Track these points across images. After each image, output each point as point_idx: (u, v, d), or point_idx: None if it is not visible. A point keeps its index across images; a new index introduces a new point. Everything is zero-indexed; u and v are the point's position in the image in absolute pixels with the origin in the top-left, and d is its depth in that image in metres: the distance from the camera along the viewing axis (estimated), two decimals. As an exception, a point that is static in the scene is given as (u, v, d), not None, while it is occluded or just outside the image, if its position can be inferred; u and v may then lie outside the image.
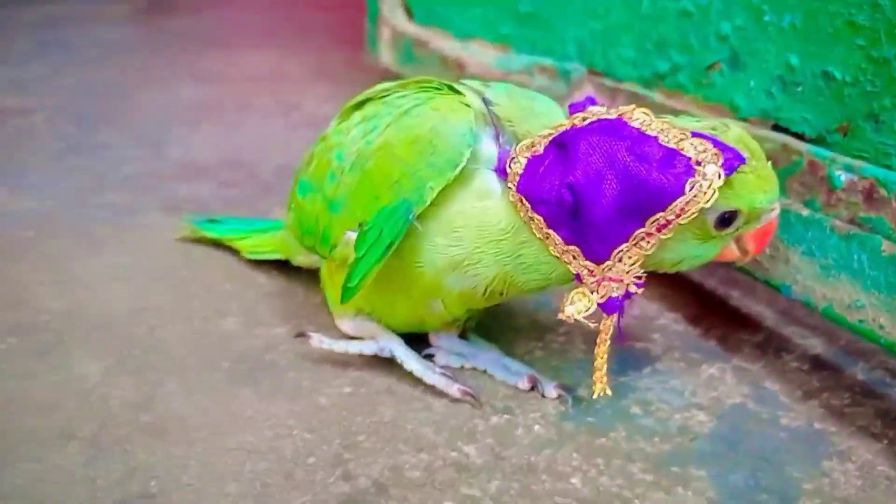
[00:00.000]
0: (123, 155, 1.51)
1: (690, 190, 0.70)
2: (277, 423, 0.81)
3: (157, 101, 1.87)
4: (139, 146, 1.57)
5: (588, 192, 0.72)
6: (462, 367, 0.91)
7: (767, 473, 0.78)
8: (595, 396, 0.80)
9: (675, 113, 1.04)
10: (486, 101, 0.80)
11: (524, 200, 0.76)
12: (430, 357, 0.92)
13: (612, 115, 0.76)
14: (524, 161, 0.77)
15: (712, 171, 0.70)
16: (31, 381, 0.85)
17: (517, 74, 1.31)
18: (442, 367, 0.90)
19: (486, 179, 0.78)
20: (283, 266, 1.07)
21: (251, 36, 2.59)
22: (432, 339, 0.94)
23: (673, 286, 1.11)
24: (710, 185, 0.70)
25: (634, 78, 1.13)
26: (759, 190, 0.74)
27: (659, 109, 1.07)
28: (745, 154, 0.73)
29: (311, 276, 1.02)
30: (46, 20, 2.60)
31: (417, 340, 0.92)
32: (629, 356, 0.96)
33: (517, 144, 0.78)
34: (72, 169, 1.44)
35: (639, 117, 0.74)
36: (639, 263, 0.74)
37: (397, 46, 1.69)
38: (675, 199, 0.71)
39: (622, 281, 0.75)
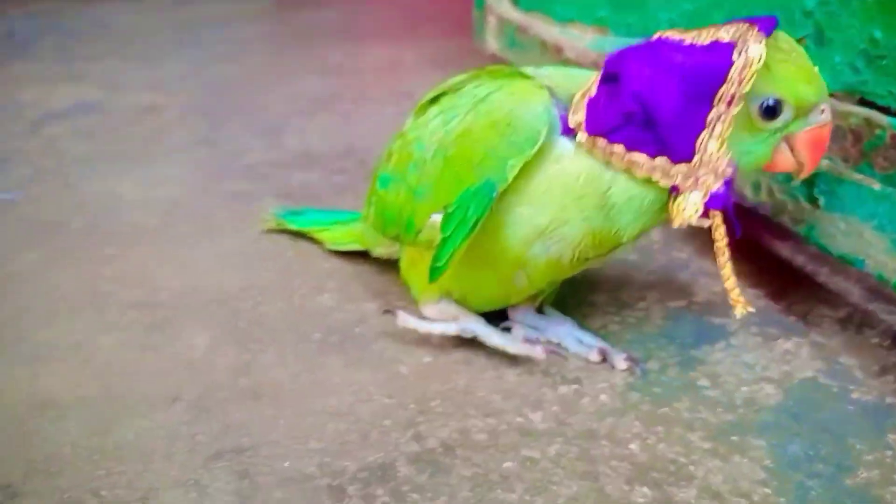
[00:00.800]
0: (245, 146, 1.63)
1: (739, 56, 0.73)
2: (360, 389, 0.88)
3: (281, 94, 1.99)
4: (260, 137, 1.68)
5: (652, 94, 0.75)
6: (537, 339, 0.96)
7: (828, 444, 0.79)
8: (738, 316, 0.80)
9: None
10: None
11: (598, 139, 0.79)
12: (506, 331, 0.97)
13: (646, 42, 0.80)
14: (584, 107, 0.80)
15: (752, 35, 0.73)
16: (147, 351, 0.96)
17: (610, 57, 1.34)
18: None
19: (558, 145, 0.82)
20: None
21: (371, 28, 2.69)
22: (510, 313, 0.99)
23: (759, 261, 1.12)
24: (757, 46, 0.72)
25: (725, 56, 1.14)
26: (801, 80, 0.76)
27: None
28: (782, 42, 0.76)
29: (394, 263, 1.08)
30: (185, 21, 2.79)
31: (494, 316, 0.97)
32: (704, 329, 0.98)
33: (573, 100, 0.82)
34: (198, 161, 1.56)
35: (670, 34, 0.78)
36: (724, 147, 0.76)
37: (502, 33, 1.74)
38: (729, 70, 0.73)
39: (717, 170, 0.76)
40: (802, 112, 0.77)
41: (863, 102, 0.94)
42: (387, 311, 0.97)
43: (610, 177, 0.80)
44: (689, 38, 0.77)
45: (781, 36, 0.76)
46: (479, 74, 0.89)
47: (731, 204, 0.78)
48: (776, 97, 0.75)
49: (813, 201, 0.94)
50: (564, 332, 0.95)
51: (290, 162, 1.54)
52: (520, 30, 1.65)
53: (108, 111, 1.88)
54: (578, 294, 1.04)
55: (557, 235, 0.83)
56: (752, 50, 0.73)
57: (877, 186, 0.87)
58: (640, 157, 0.78)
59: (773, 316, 1.01)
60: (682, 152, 0.77)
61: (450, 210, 0.84)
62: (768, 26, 0.74)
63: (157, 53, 2.41)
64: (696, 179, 0.77)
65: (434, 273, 0.86)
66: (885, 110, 0.91)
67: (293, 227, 1.22)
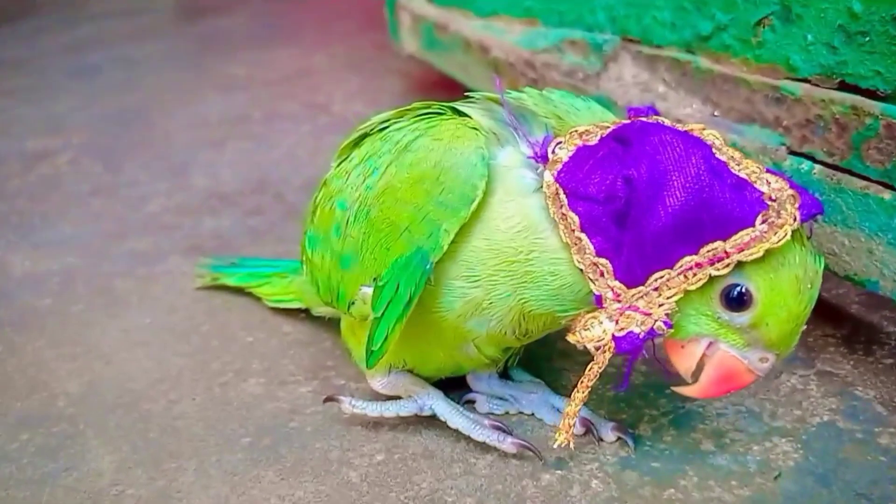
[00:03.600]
0: (148, 191, 1.45)
1: (761, 224, 0.59)
2: (302, 510, 0.73)
3: (184, 121, 1.81)
4: (164, 178, 1.50)
5: (649, 192, 0.61)
6: (507, 413, 0.82)
7: (868, 516, 0.66)
8: (555, 447, 0.70)
9: (725, 78, 0.92)
10: (504, 102, 0.70)
11: (561, 193, 0.64)
12: (469, 403, 0.83)
13: (691, 127, 0.65)
14: (573, 148, 0.66)
15: (790, 211, 0.59)
16: (43, 487, 0.79)
17: (545, 53, 1.19)
18: (484, 414, 0.80)
19: (510, 173, 0.67)
20: (307, 310, 0.99)
21: (278, 32, 2.50)
22: (471, 381, 0.84)
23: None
24: (783, 226, 0.59)
25: (674, 42, 1.00)
26: (789, 309, 0.61)
27: (705, 75, 0.95)
28: (808, 259, 0.62)
29: (337, 321, 0.93)
30: (75, 45, 2.56)
31: (455, 384, 0.83)
32: (697, 373, 0.85)
33: (569, 132, 0.67)
34: (95, 215, 1.38)
35: (709, 139, 0.64)
36: (675, 299, 0.62)
37: (419, 32, 1.58)
38: (741, 230, 0.60)
39: (650, 315, 0.63)
40: (751, 338, 0.63)
41: (842, 86, 0.81)
42: (329, 399, 0.82)
43: (544, 238, 0.66)
44: (730, 158, 0.62)
45: (817, 257, 0.62)
46: (405, 112, 0.74)
47: (636, 356, 0.65)
48: (751, 293, 0.61)
49: (806, 214, 0.81)
50: (537, 400, 0.81)
51: (199, 206, 1.37)
52: (438, 27, 1.49)
53: (-10, 163, 1.67)
54: (546, 344, 0.89)
55: (492, 308, 0.69)
56: (775, 228, 0.59)
57: (887, 196, 0.74)
58: (587, 244, 0.64)
59: (769, 343, 0.88)
60: (632, 274, 0.63)
61: (380, 283, 0.70)
62: (809, 211, 0.60)
63: (44, 87, 2.19)
64: (623, 309, 0.63)
65: (371, 358, 0.73)
66: (869, 94, 0.78)
67: (229, 282, 1.07)
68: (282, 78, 2.04)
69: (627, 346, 0.64)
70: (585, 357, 0.87)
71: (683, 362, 0.66)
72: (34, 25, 2.85)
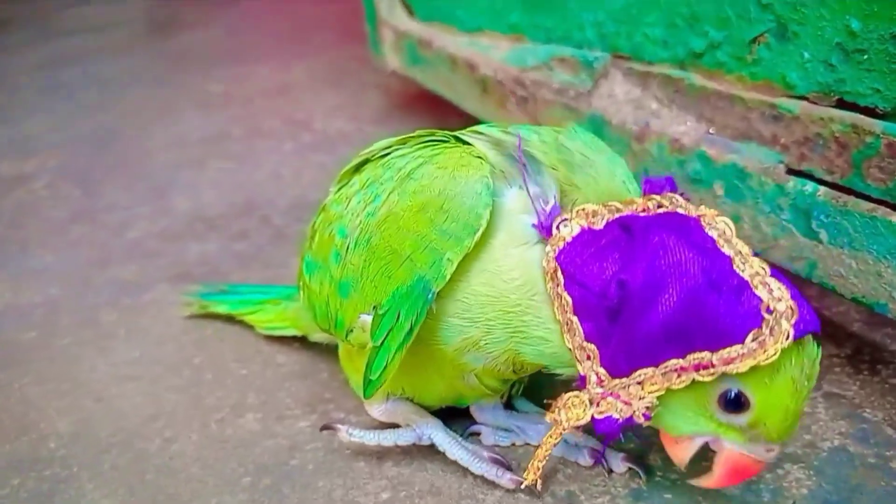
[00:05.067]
0: (128, 216, 1.42)
1: (752, 342, 0.58)
2: (309, 555, 0.71)
3: (163, 140, 1.77)
4: (145, 201, 1.47)
5: (641, 298, 0.61)
6: (513, 445, 0.80)
7: (888, 547, 0.65)
8: (523, 485, 0.71)
9: (719, 96, 0.92)
10: (512, 144, 0.69)
11: (559, 272, 0.64)
12: (474, 436, 0.81)
13: (692, 213, 0.64)
14: (577, 229, 0.64)
15: (784, 328, 0.58)
16: (37, 535, 0.76)
17: (534, 71, 1.18)
18: (490, 446, 0.79)
19: (513, 228, 0.66)
20: (302, 338, 0.97)
21: (255, 46, 2.47)
22: (475, 413, 0.82)
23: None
24: (775, 344, 0.57)
25: (666, 59, 0.99)
26: (786, 409, 0.60)
27: (699, 92, 0.94)
28: (803, 359, 0.60)
29: (334, 348, 0.91)
30: (46, 62, 2.52)
31: (459, 415, 0.81)
32: (702, 397, 0.83)
33: (574, 207, 0.66)
34: (75, 243, 1.34)
35: (720, 227, 0.62)
36: (656, 395, 0.62)
37: (401, 48, 1.56)
38: (730, 346, 0.58)
39: (630, 405, 0.63)
40: (752, 435, 0.62)
41: (841, 104, 0.80)
42: (326, 428, 0.80)
43: (541, 302, 0.65)
44: (733, 249, 0.61)
45: (810, 348, 0.60)
46: (408, 140, 0.73)
47: (612, 438, 0.65)
48: (747, 397, 0.60)
49: (812, 236, 0.80)
50: (544, 431, 0.79)
51: (183, 230, 1.34)
52: (422, 44, 1.47)
53: (-36, 189, 1.63)
54: (550, 374, 0.88)
55: (487, 347, 0.68)
56: (768, 346, 0.57)
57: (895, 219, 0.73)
58: (577, 326, 0.63)
59: (773, 365, 0.87)
60: (616, 366, 0.63)
61: (380, 312, 0.68)
62: (805, 328, 0.58)
63: (16, 107, 2.15)
64: (605, 395, 0.63)
65: (369, 387, 0.71)
66: (868, 111, 0.77)
67: (220, 310, 1.04)
68: (260, 94, 2.02)
69: (605, 429, 0.64)
70: (589, 384, 0.87)
71: (679, 455, 0.66)
72: (2, 43, 2.80)
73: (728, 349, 0.58)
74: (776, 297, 0.58)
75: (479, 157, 0.67)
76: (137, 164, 1.66)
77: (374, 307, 0.69)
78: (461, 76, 1.35)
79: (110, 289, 1.18)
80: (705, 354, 0.59)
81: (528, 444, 0.80)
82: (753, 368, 0.58)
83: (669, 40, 0.99)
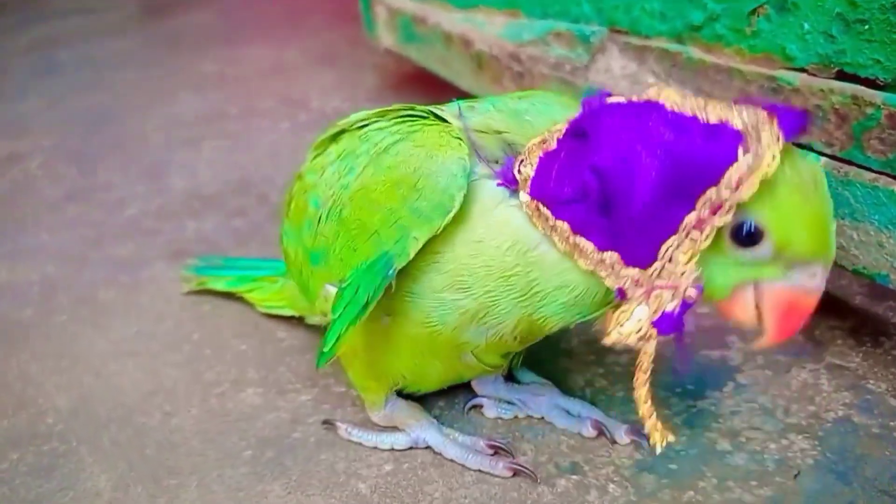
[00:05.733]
0: (125, 194, 1.41)
1: (745, 155, 0.55)
2: (313, 526, 0.70)
3: (158, 120, 1.76)
4: (141, 180, 1.46)
5: (620, 175, 0.58)
6: (516, 418, 0.80)
7: (892, 512, 0.65)
8: (658, 450, 0.66)
9: (717, 69, 0.91)
10: (465, 126, 0.67)
11: (542, 206, 0.62)
12: (477, 408, 0.81)
13: (635, 99, 0.61)
14: (536, 161, 0.63)
15: (765, 132, 0.55)
16: (38, 509, 0.76)
17: (530, 46, 1.17)
18: (493, 418, 0.79)
19: (488, 197, 0.64)
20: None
21: (249, 27, 2.45)
22: (476, 386, 0.82)
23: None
24: (769, 147, 0.55)
25: (664, 32, 0.98)
26: (803, 219, 0.58)
27: (697, 66, 0.93)
28: (806, 165, 0.58)
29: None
30: (40, 43, 2.49)
31: (461, 388, 0.81)
32: (705, 369, 0.84)
33: (528, 148, 0.64)
34: (71, 221, 1.33)
35: (670, 96, 0.60)
36: (694, 261, 0.58)
37: (396, 25, 1.55)
38: (728, 169, 0.55)
39: (677, 287, 0.59)
40: (785, 261, 0.58)
41: (841, 75, 0.80)
42: (326, 423, 0.81)
43: (540, 254, 0.63)
44: (691, 108, 0.58)
45: (808, 158, 0.59)
46: (387, 112, 0.71)
47: (683, 332, 0.61)
48: (758, 223, 0.57)
49: (814, 207, 0.80)
50: (546, 403, 0.79)
51: (180, 208, 1.33)
52: (416, 20, 1.46)
53: (-41, 168, 1.62)
54: (550, 344, 0.87)
55: (491, 319, 0.66)
56: (762, 151, 0.55)
57: (898, 187, 0.73)
58: (586, 245, 0.61)
59: (775, 337, 0.87)
60: (640, 255, 0.59)
61: (343, 286, 0.68)
62: (792, 125, 0.56)
63: (9, 87, 2.13)
64: (650, 291, 0.60)
65: (321, 359, 0.71)
66: (869, 83, 0.77)
67: (218, 286, 1.04)
68: (255, 74, 2.00)
69: (668, 328, 0.60)
70: (591, 356, 0.87)
71: (743, 316, 0.62)
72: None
73: (728, 173, 0.55)
74: (748, 117, 0.56)
75: (458, 138, 0.65)
76: (133, 143, 1.65)
77: (339, 280, 0.69)
78: (456, 53, 1.34)
79: (107, 266, 1.17)
80: (711, 192, 0.56)
81: (530, 416, 0.79)
82: (757, 197, 0.56)
83: (667, 13, 0.98)
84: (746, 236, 0.58)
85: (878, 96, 0.75)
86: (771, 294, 0.60)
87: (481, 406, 0.81)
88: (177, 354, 0.96)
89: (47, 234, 1.30)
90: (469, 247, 0.64)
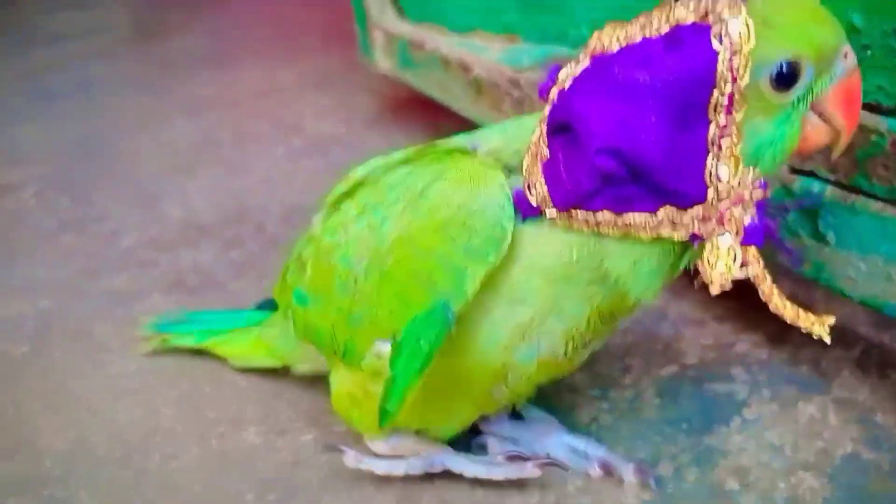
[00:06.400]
0: (120, 224, 1.39)
1: (720, 43, 0.54)
2: (318, 574, 0.69)
3: (151, 146, 1.75)
4: (136, 209, 1.45)
5: (625, 141, 0.56)
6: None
7: (906, 554, 0.64)
8: (828, 340, 0.61)
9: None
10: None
11: (575, 211, 0.61)
12: (482, 447, 0.80)
13: (584, 62, 0.59)
14: (541, 176, 0.62)
15: (722, 7, 0.54)
16: (35, 558, 0.74)
17: (530, 71, 1.17)
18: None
19: (522, 228, 0.63)
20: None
21: (242, 49, 2.44)
22: (480, 423, 0.81)
23: (742, 296, 0.97)
24: (737, 20, 0.54)
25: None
26: (812, 21, 0.57)
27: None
28: None
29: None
30: (32, 68, 2.48)
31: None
32: (710, 404, 0.83)
33: (526, 169, 0.63)
34: (66, 252, 1.32)
35: (607, 38, 0.58)
36: (739, 165, 0.56)
37: (392, 50, 1.54)
38: (715, 65, 0.54)
39: (742, 197, 0.57)
40: (825, 65, 0.58)
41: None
42: (331, 448, 0.78)
43: (599, 247, 0.62)
44: (633, 32, 0.57)
45: None
46: (408, 157, 0.70)
47: (774, 229, 0.59)
48: (789, 59, 0.56)
49: (820, 238, 0.79)
50: (553, 442, 0.78)
51: (175, 238, 1.32)
52: (413, 45, 1.45)
53: (-48, 198, 1.60)
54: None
55: (547, 328, 0.65)
56: (734, 27, 0.53)
57: (908, 219, 0.72)
58: (638, 218, 0.59)
59: (781, 370, 0.86)
60: (690, 193, 0.57)
61: (398, 340, 0.65)
62: None
63: (5, 113, 2.11)
64: (720, 218, 0.57)
65: (384, 417, 0.68)
66: (872, 108, 0.76)
67: (184, 343, 0.99)
68: (249, 97, 1.99)
69: (758, 237, 0.57)
70: (595, 390, 0.86)
71: (821, 138, 0.61)
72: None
73: (718, 69, 0.54)
74: (693, 7, 0.55)
75: (492, 166, 0.64)
76: (126, 171, 1.64)
77: (390, 335, 0.66)
78: (454, 78, 1.33)
79: (103, 299, 1.16)
80: (715, 96, 0.54)
81: (535, 454, 0.78)
82: (765, 39, 0.54)
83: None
84: (786, 77, 0.56)
85: (882, 122, 0.74)
86: (833, 99, 0.59)
87: (485, 444, 0.80)
88: (175, 391, 0.94)
89: (42, 267, 1.28)
90: (521, 263, 0.63)
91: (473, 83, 1.27)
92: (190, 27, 2.72)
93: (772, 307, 0.61)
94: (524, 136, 0.64)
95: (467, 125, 1.36)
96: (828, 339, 0.61)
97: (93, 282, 1.22)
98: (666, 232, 0.59)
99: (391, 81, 1.66)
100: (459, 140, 0.69)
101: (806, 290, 0.94)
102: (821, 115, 0.60)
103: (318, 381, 0.91)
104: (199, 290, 1.15)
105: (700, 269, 0.60)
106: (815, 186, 0.79)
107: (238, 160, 1.62)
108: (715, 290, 0.59)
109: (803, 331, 0.61)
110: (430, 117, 1.60)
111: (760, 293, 0.61)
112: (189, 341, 0.98)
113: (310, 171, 1.52)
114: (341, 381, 0.76)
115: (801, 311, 0.61)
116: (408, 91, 1.60)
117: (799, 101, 0.58)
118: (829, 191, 0.78)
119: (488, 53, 1.26)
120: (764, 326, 0.92)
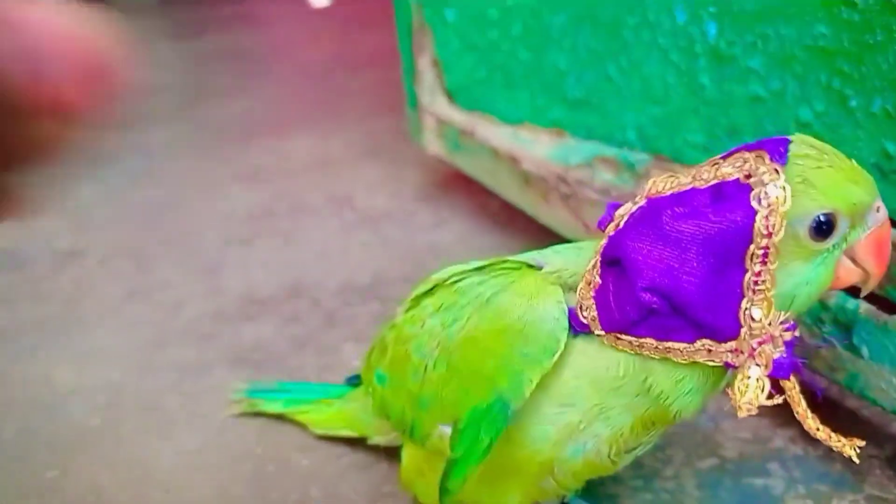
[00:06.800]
0: (182, 294, 1.47)
1: (760, 203, 0.61)
2: None
3: (210, 215, 1.84)
4: (197, 279, 1.53)
5: (669, 282, 0.64)
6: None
7: None
8: (857, 461, 0.69)
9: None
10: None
11: (621, 336, 0.68)
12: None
13: (640, 202, 0.68)
14: (591, 301, 0.69)
15: (763, 171, 0.62)
16: None
17: (577, 169, 1.24)
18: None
19: (576, 341, 0.71)
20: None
21: (293, 116, 2.54)
22: (531, 512, 0.87)
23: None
24: (776, 185, 0.61)
25: (706, 163, 1.04)
26: (847, 181, 0.64)
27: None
28: (806, 148, 0.64)
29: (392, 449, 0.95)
30: (89, 129, 2.59)
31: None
32: (749, 497, 0.88)
33: (579, 292, 0.71)
34: (132, 322, 1.40)
35: (661, 183, 0.67)
36: (771, 308, 0.63)
37: (443, 135, 1.62)
38: (752, 223, 0.61)
39: (773, 336, 0.63)
40: (859, 218, 0.65)
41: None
42: None
43: (645, 365, 0.69)
44: (685, 182, 0.65)
45: (801, 142, 0.65)
46: (482, 267, 0.78)
47: (800, 365, 0.65)
48: (826, 212, 0.63)
49: (853, 350, 0.84)
50: (597, 533, 0.84)
51: (236, 312, 1.39)
52: (464, 133, 1.53)
53: (23, 261, 1.69)
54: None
55: (593, 431, 0.72)
56: (772, 191, 0.61)
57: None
58: (677, 345, 0.66)
59: (815, 466, 0.91)
60: (726, 330, 0.64)
61: (460, 427, 0.73)
62: (781, 151, 0.63)
63: (65, 175, 2.21)
64: (752, 352, 0.63)
65: (444, 495, 0.76)
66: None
67: (270, 409, 1.09)
68: (301, 167, 2.08)
69: (786, 371, 0.64)
70: (638, 481, 0.91)
71: (851, 279, 0.68)
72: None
73: (756, 227, 0.61)
74: (739, 164, 0.63)
75: (553, 283, 0.72)
76: (187, 239, 1.72)
77: (453, 421, 0.74)
78: (503, 167, 1.41)
79: (170, 372, 1.23)
80: (751, 249, 0.61)
81: (581, 544, 0.84)
82: (804, 195, 0.62)
83: (711, 147, 1.04)
84: (824, 229, 0.63)
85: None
86: (863, 247, 0.66)
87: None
88: (241, 469, 1.01)
89: (110, 336, 1.36)
90: (573, 370, 0.70)
91: (521, 175, 1.34)
92: (241, 92, 2.83)
93: (805, 427, 0.68)
94: (583, 260, 0.73)
95: (513, 208, 1.44)
96: (857, 460, 0.68)
97: (159, 353, 1.29)
98: (702, 359, 0.66)
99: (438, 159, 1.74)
100: (528, 256, 0.77)
101: (839, 397, 0.99)
102: (853, 259, 0.67)
103: (378, 463, 0.98)
104: (261, 364, 1.22)
105: (730, 394, 0.66)
106: (851, 303, 0.84)
107: (293, 232, 1.70)
108: (742, 413, 0.65)
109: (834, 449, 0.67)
110: (477, 195, 1.67)
111: (795, 413, 0.67)
112: (276, 407, 1.08)
113: (362, 246, 1.59)
114: (410, 455, 0.85)
115: (831, 433, 0.68)
116: (455, 167, 1.67)
117: (834, 247, 0.65)
118: (863, 308, 0.83)
119: (537, 148, 1.34)
120: (800, 423, 0.96)
